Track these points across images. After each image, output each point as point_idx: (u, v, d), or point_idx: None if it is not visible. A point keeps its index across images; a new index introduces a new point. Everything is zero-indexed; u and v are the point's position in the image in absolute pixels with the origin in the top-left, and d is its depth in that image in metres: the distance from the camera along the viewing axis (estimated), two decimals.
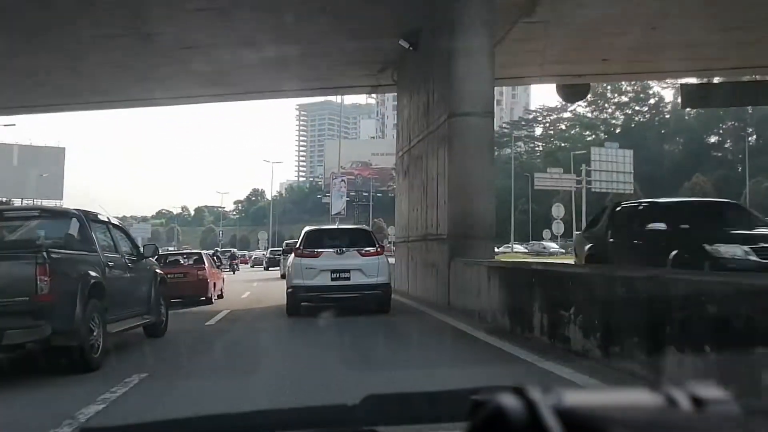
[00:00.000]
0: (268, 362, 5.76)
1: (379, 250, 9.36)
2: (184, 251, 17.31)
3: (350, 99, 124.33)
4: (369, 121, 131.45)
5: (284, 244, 24.28)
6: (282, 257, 21.52)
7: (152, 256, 7.40)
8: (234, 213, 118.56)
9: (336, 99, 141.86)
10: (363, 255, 9.12)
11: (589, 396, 0.53)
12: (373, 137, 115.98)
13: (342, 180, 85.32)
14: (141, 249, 7.13)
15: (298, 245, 9.56)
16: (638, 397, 0.54)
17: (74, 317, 4.98)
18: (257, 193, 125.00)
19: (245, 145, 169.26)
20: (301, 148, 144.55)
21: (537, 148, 75.43)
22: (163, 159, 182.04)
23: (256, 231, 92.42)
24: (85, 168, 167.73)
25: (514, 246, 46.32)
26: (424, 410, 1.16)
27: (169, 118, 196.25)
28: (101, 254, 5.81)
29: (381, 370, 5.00)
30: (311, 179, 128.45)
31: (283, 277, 14.48)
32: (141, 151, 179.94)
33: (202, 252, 14.63)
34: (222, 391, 4.36)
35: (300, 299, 8.99)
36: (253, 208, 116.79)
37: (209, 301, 12.07)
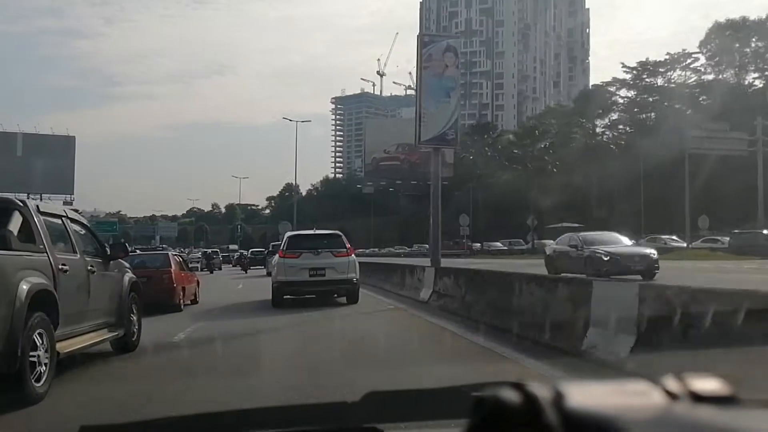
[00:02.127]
0: None
1: (349, 251, 12.16)
2: (149, 251, 16.88)
3: (387, 89, 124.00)
4: (409, 110, 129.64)
5: (270, 246, 30.08)
6: (267, 257, 26.27)
7: (121, 257, 6.61)
8: (266, 210, 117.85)
9: (373, 91, 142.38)
10: (335, 255, 11.87)
11: (589, 390, 0.56)
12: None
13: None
14: (107, 248, 6.31)
15: (281, 247, 12.48)
16: (638, 391, 0.58)
17: (7, 337, 4.26)
18: (291, 188, 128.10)
19: (278, 139, 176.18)
20: (338, 142, 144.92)
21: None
22: (193, 155, 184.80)
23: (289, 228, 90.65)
24: (104, 163, 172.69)
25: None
26: (425, 407, 1.36)
27: (200, 113, 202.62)
28: (51, 255, 5.04)
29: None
30: (349, 170, 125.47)
31: (268, 274, 17.00)
32: (170, 147, 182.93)
33: (169, 252, 14.11)
34: None
35: (283, 292, 11.82)
36: (286, 204, 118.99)
37: (177, 308, 11.55)
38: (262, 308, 11.73)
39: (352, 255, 12.12)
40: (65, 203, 70.19)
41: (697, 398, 0.57)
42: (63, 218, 5.82)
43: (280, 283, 11.69)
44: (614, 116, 62.64)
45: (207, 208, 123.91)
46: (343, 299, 11.99)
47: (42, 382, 4.67)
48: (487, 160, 57.93)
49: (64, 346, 5.27)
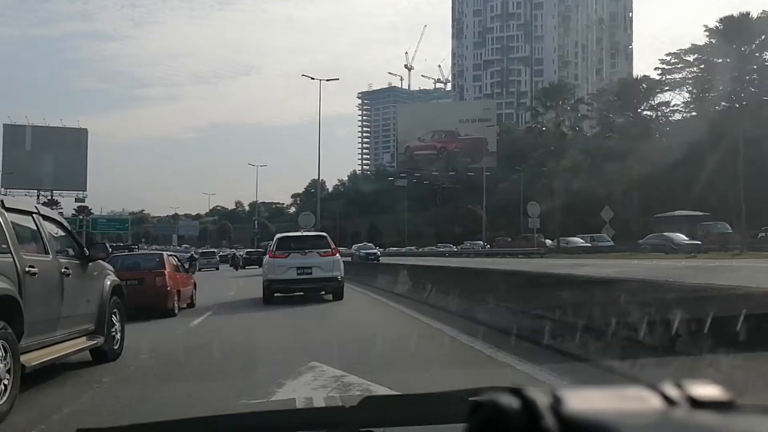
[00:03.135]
0: None
1: (333, 251, 13.46)
2: (143, 251, 16.90)
3: (416, 83, 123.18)
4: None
5: (262, 245, 32.17)
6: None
7: (101, 258, 6.24)
8: (290, 207, 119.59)
9: (401, 85, 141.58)
10: (321, 255, 13.14)
11: (587, 396, 0.58)
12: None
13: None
14: (86, 249, 5.96)
15: (271, 248, 13.90)
16: (636, 397, 0.59)
17: None
18: (316, 185, 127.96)
19: (303, 139, 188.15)
20: (365, 139, 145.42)
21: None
22: (218, 155, 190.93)
23: (314, 226, 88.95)
24: (131, 164, 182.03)
25: None
26: (422, 412, 1.41)
27: (226, 114, 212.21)
28: (16, 256, 4.67)
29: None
30: (377, 166, 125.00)
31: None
32: (196, 148, 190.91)
33: (164, 253, 13.79)
34: None
35: (274, 290, 13.06)
36: (312, 201, 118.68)
37: (170, 313, 11.32)
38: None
39: (337, 255, 13.55)
40: (77, 200, 70.64)
41: (696, 404, 0.59)
42: (34, 215, 5.48)
43: (270, 281, 13.08)
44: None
45: (231, 206, 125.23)
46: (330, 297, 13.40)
47: (4, 399, 4.34)
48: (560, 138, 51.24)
49: (32, 358, 4.94)
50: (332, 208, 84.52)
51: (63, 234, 6.03)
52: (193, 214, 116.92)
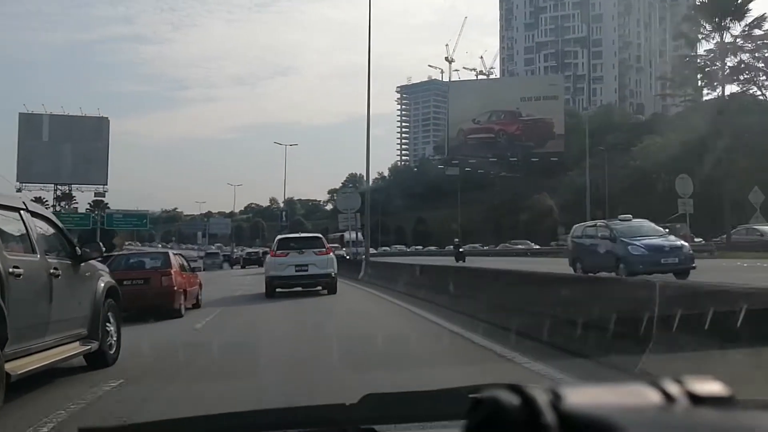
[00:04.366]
0: None
1: (328, 250, 15.78)
2: (149, 250, 17.36)
3: (458, 75, 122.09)
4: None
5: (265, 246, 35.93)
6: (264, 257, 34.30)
7: (95, 258, 6.10)
8: (327, 204, 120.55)
9: (441, 78, 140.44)
10: (317, 254, 15.24)
11: (587, 392, 0.61)
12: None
13: None
14: (78, 248, 5.81)
15: (272, 248, 16.14)
16: (636, 393, 0.62)
17: None
18: (354, 179, 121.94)
19: (340, 138, 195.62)
20: (404, 134, 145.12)
21: None
22: (256, 155, 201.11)
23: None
24: (171, 164, 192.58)
25: None
26: (422, 409, 1.47)
27: (264, 114, 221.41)
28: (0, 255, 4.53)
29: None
30: (421, 157, 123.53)
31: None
32: (233, 148, 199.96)
33: (170, 251, 14.17)
34: None
35: (275, 285, 15.16)
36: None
37: (177, 314, 11.51)
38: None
39: (331, 254, 15.88)
40: (97, 195, 70.22)
41: (696, 400, 0.61)
42: (21, 212, 5.37)
43: (272, 277, 15.25)
44: None
45: (265, 203, 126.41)
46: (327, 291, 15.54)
47: None
48: None
49: (18, 366, 4.84)
50: (373, 202, 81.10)
51: (53, 232, 5.87)
52: (227, 211, 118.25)
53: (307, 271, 14.97)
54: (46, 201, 66.64)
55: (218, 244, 75.68)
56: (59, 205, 66.49)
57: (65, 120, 62.82)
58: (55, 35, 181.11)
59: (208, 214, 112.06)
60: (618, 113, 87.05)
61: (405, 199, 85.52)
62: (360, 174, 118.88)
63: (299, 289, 15.27)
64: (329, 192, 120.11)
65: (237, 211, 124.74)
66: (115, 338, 6.52)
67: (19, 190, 59.26)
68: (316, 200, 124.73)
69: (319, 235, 17.15)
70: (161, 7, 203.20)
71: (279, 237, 17.24)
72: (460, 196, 66.25)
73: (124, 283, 10.07)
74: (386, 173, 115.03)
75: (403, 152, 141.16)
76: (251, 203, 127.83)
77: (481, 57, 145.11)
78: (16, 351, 4.86)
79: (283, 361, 6.50)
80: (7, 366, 4.67)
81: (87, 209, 64.23)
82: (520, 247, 49.90)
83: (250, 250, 54.03)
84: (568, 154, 63.05)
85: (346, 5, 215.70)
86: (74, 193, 67.78)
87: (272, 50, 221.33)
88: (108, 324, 6.35)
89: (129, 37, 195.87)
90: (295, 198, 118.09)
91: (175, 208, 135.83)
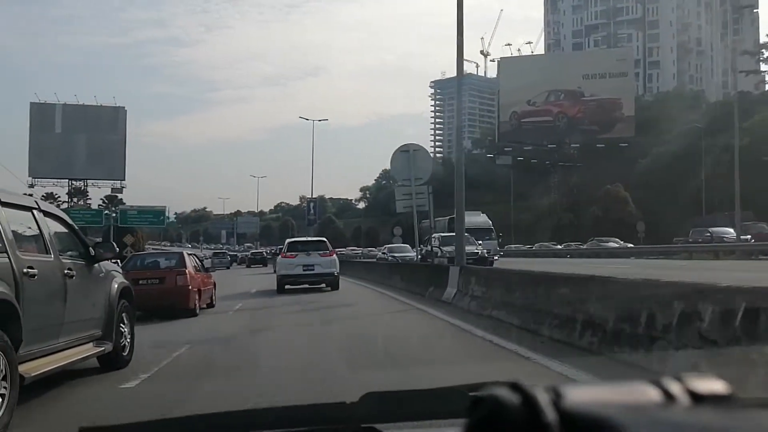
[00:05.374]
0: None
1: (330, 252, 18.42)
2: (164, 250, 18.01)
3: (494, 70, 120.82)
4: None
5: (276, 248, 39.41)
6: (271, 257, 38.07)
7: (108, 258, 6.20)
8: (358, 201, 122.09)
9: (476, 72, 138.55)
10: (321, 255, 17.98)
11: (588, 391, 0.63)
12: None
13: None
14: (92, 248, 5.92)
15: (283, 250, 19.02)
16: (637, 392, 0.64)
17: None
18: (388, 175, 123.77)
19: (370, 138, 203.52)
20: (438, 130, 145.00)
21: None
22: (287, 155, 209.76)
23: (388, 221, 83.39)
24: (203, 165, 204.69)
25: None
26: (422, 407, 1.50)
27: (295, 115, 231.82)
28: (13, 256, 4.62)
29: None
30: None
31: (275, 271, 25.07)
32: (265, 149, 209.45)
33: (184, 251, 14.56)
34: None
35: (284, 282, 17.87)
36: (383, 193, 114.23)
37: (192, 313, 11.99)
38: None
39: (333, 255, 18.66)
40: (113, 190, 69.52)
41: (696, 398, 0.63)
42: (34, 211, 5.49)
43: (282, 276, 18.11)
44: None
45: (295, 202, 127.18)
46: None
47: (0, 414, 4.24)
48: None
49: (32, 368, 4.96)
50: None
51: (66, 232, 5.98)
52: (257, 210, 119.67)
53: (313, 270, 17.77)
54: (58, 197, 66.22)
55: (248, 244, 75.77)
56: (72, 201, 65.63)
57: (79, 110, 60.84)
58: (94, 39, 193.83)
59: (237, 214, 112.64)
60: (690, 96, 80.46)
61: (444, 196, 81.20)
62: (386, 169, 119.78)
63: (306, 285, 17.98)
64: (362, 189, 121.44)
65: (266, 210, 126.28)
66: (128, 339, 6.72)
67: (31, 186, 58.52)
68: (347, 198, 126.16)
69: (324, 239, 20.07)
70: (194, 9, 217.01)
71: (288, 240, 20.33)
72: (513, 188, 60.78)
73: (140, 282, 11.09)
74: None
75: (437, 149, 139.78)
76: (281, 202, 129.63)
77: (519, 50, 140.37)
78: (29, 353, 4.96)
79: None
80: (21, 368, 4.77)
81: (99, 205, 63.29)
82: (613, 245, 43.51)
83: (255, 250, 59.93)
84: (638, 140, 58.15)
85: (374, 4, 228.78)
86: (89, 189, 66.90)
87: (302, 50, 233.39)
88: (122, 325, 6.55)
89: (162, 40, 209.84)
90: (326, 196, 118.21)
91: (204, 207, 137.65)
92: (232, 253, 60.27)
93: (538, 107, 65.93)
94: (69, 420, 4.71)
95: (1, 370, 4.46)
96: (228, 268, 44.89)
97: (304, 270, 17.62)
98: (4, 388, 4.46)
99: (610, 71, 64.45)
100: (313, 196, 57.19)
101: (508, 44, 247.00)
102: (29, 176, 61.21)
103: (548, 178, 65.60)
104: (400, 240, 37.96)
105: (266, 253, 50.21)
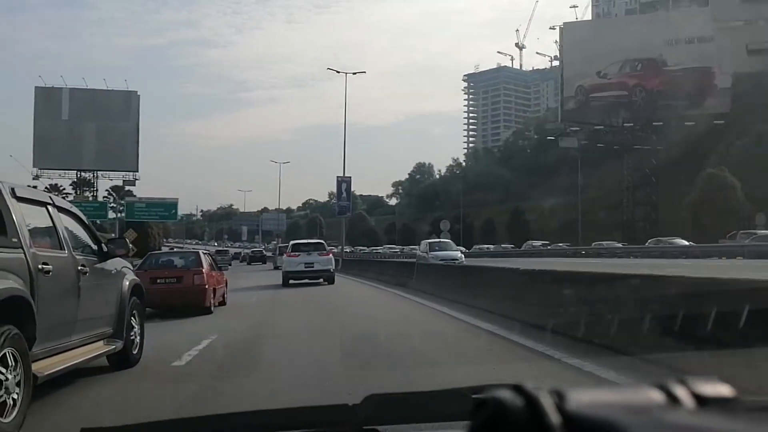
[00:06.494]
0: None
1: (328, 252, 23.37)
2: (180, 250, 18.94)
3: (529, 62, 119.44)
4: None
5: (279, 248, 42.79)
6: (277, 255, 40.60)
7: (120, 255, 6.25)
8: (390, 197, 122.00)
9: (511, 65, 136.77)
10: (320, 255, 22.24)
11: (591, 393, 0.64)
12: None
13: None
14: (105, 245, 5.95)
15: (288, 250, 23.94)
16: (640, 395, 0.65)
17: None
18: (422, 169, 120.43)
19: (399, 138, 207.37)
20: (471, 125, 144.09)
21: None
22: (315, 155, 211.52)
23: (423, 217, 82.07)
24: (232, 165, 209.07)
25: None
26: (425, 410, 1.52)
27: (324, 115, 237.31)
28: (28, 252, 4.64)
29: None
30: (498, 141, 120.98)
31: (276, 268, 32.74)
32: (293, 149, 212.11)
33: (200, 251, 15.30)
34: None
35: (288, 278, 21.79)
36: (417, 188, 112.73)
37: (207, 311, 12.87)
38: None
39: (330, 255, 23.00)
40: (125, 182, 62.12)
41: (701, 401, 0.64)
42: (48, 206, 5.54)
43: (287, 272, 22.03)
44: None
45: (324, 199, 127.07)
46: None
47: (13, 415, 4.35)
48: None
49: (45, 367, 5.04)
50: (451, 192, 75.01)
51: (79, 228, 6.04)
52: (279, 207, 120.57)
53: (312, 267, 21.68)
54: (63, 188, 63.96)
55: (274, 242, 75.27)
56: (77, 192, 62.36)
57: (87, 94, 56.20)
58: (129, 41, 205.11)
59: (264, 211, 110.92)
60: None
61: (492, 189, 74.83)
62: (429, 163, 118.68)
63: (307, 280, 21.99)
64: (394, 184, 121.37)
65: (294, 207, 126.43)
66: (138, 338, 6.89)
67: (36, 177, 56.38)
68: (378, 195, 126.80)
69: (322, 241, 25.22)
70: (224, 11, 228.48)
71: (292, 242, 25.22)
72: (580, 176, 54.16)
73: (158, 281, 11.94)
74: (462, 159, 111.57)
75: (470, 143, 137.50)
76: (309, 199, 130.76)
77: (556, 41, 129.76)
78: (42, 351, 5.03)
79: None
80: (34, 367, 4.81)
81: (104, 197, 60.15)
82: (681, 243, 36.34)
83: (255, 248, 64.88)
84: (735, 116, 48.90)
85: (403, 4, 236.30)
86: (100, 181, 62.92)
87: (331, 51, 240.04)
88: (132, 323, 6.70)
89: (193, 41, 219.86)
90: (357, 193, 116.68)
91: (231, 205, 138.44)
92: (236, 251, 65.16)
93: (611, 80, 56.23)
94: (80, 420, 4.68)
95: (16, 371, 4.48)
96: (230, 265, 44.78)
97: (305, 267, 21.64)
98: (18, 386, 4.48)
99: (698, 35, 54.12)
100: (345, 175, 44.33)
101: (538, 38, 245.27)
102: (33, 167, 57.84)
103: (618, 164, 57.65)
104: (448, 236, 33.57)
105: (268, 249, 52.07)
